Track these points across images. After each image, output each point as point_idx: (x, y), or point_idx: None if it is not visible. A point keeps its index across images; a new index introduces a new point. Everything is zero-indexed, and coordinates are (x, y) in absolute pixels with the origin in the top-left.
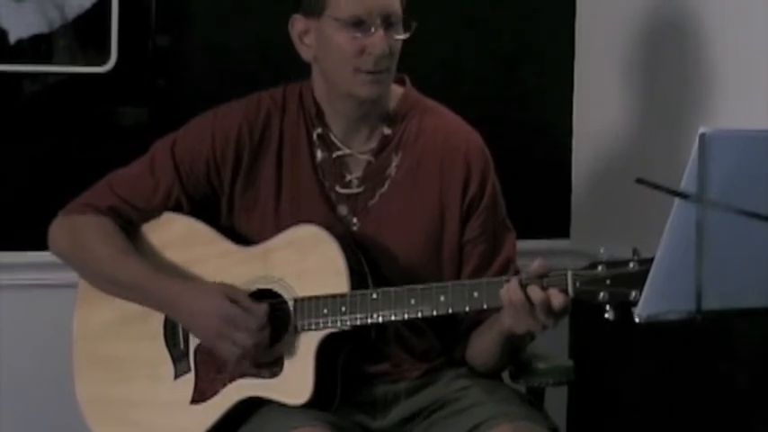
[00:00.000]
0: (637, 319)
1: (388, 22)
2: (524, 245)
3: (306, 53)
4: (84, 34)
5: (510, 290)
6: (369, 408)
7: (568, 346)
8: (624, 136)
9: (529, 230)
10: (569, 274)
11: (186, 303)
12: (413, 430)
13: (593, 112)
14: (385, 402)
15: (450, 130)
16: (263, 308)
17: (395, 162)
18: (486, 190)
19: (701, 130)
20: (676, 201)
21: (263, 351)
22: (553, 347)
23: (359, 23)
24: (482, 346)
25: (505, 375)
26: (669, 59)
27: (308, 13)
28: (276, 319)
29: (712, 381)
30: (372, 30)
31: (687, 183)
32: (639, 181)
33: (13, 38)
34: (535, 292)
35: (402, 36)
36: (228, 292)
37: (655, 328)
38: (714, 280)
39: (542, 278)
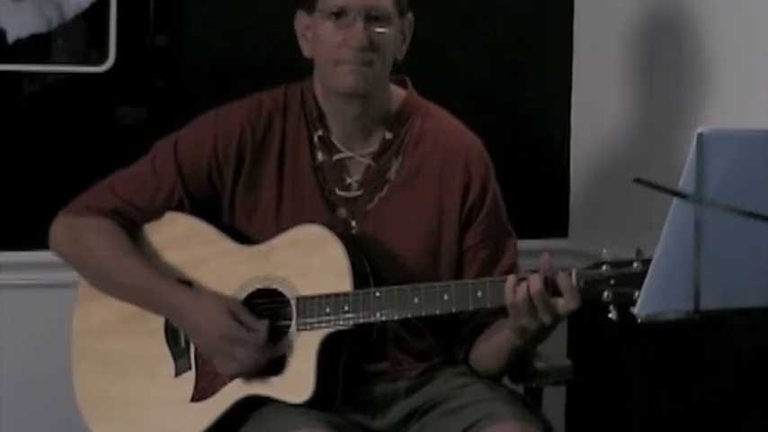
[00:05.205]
0: (639, 320)
1: (369, 16)
2: (523, 244)
3: (307, 49)
4: (83, 34)
5: (513, 288)
6: (368, 407)
7: (567, 345)
8: (622, 136)
9: (527, 230)
10: (574, 273)
11: (189, 315)
12: (411, 429)
13: (592, 112)
14: (384, 402)
15: (451, 136)
16: (263, 325)
17: (395, 166)
18: (486, 196)
19: (699, 129)
20: (674, 200)
21: (261, 369)
22: (552, 347)
23: (340, 14)
24: (487, 353)
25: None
26: (667, 59)
27: (307, 10)
28: (278, 317)
29: (711, 380)
30: (353, 22)
31: (685, 182)
32: (638, 181)
33: (11, 37)
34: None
35: (381, 30)
36: (231, 308)
37: (653, 328)
38: (712, 280)
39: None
